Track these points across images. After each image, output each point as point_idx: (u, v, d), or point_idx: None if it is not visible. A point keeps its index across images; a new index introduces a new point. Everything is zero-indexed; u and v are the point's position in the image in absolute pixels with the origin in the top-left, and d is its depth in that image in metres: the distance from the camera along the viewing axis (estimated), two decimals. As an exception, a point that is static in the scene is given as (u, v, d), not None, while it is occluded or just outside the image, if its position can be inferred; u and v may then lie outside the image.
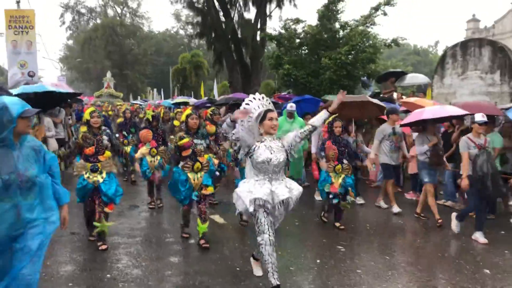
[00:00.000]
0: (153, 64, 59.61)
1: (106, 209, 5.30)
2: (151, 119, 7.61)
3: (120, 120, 10.98)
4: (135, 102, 29.61)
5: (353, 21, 14.91)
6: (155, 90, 34.49)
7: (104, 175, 5.29)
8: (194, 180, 5.43)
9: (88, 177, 5.24)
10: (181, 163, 5.51)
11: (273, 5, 22.67)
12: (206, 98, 18.71)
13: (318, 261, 5.06)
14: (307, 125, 4.17)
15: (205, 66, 32.48)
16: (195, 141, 5.52)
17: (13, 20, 15.73)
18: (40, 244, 3.09)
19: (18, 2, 16.54)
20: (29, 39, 15.87)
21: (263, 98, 4.08)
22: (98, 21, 57.86)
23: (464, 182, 6.02)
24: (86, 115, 5.46)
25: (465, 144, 6.10)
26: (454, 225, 6.32)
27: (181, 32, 61.38)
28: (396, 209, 7.43)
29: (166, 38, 66.21)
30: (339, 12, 15.06)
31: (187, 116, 5.60)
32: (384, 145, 7.67)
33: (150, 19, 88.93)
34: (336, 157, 6.44)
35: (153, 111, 8.49)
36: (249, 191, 3.97)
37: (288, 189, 4.02)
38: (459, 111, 7.19)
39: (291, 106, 8.80)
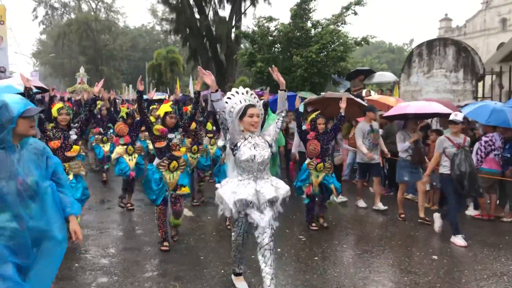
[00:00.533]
0: (128, 60, 59.06)
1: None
2: (125, 117, 7.41)
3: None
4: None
5: (325, 20, 15.25)
6: (130, 86, 34.27)
7: (71, 177, 5.03)
8: (169, 179, 5.19)
9: None
10: (156, 161, 5.25)
11: (248, 2, 22.95)
12: (181, 94, 18.77)
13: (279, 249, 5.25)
14: (279, 115, 4.05)
15: (180, 62, 32.43)
16: (170, 135, 5.23)
17: (-17, 14, 15.54)
18: (51, 272, 2.88)
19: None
20: (0, 34, 15.72)
21: (247, 92, 3.95)
22: (72, 15, 56.93)
23: (426, 179, 6.27)
24: (53, 112, 5.24)
25: (440, 143, 6.09)
26: (437, 226, 6.18)
27: (158, 27, 60.92)
28: (362, 203, 7.64)
29: (142, 34, 65.66)
30: (311, 11, 15.37)
31: (166, 114, 5.30)
32: (363, 143, 7.58)
33: (126, 15, 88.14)
34: (317, 154, 6.18)
35: (128, 108, 8.29)
36: (233, 191, 3.73)
37: (274, 188, 3.82)
38: (445, 109, 7.05)
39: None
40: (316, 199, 6.37)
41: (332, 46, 14.36)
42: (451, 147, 5.99)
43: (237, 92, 3.93)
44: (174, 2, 23.24)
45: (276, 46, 15.19)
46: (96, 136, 9.66)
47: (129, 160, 7.11)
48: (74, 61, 54.02)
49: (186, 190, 5.31)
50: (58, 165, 2.98)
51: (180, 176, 5.26)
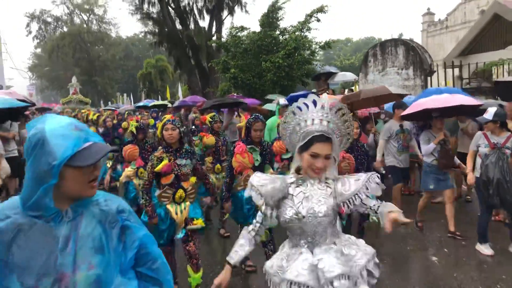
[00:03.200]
0: (122, 69, 60.52)
1: None
2: (135, 131, 6.19)
3: (94, 129, 9.51)
4: (107, 108, 28.62)
5: (291, 27, 16.74)
6: (125, 95, 35.53)
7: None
8: (176, 213, 4.13)
9: None
10: (157, 192, 4.18)
11: (226, 12, 24.47)
12: (166, 101, 20.15)
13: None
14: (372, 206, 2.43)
15: (169, 70, 33.91)
16: (178, 161, 4.15)
17: (-20, 38, 17.02)
18: None
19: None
20: (-4, 55, 17.22)
21: (329, 109, 2.40)
22: (65, 29, 58.40)
23: (469, 176, 5.41)
24: None
25: (475, 139, 5.47)
26: (483, 250, 5.40)
27: (149, 36, 62.37)
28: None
29: (135, 43, 67.14)
30: (279, 19, 16.86)
31: (162, 126, 4.21)
32: (391, 145, 6.85)
33: (118, 25, 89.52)
34: (352, 169, 4.91)
35: (137, 121, 7.22)
36: (279, 266, 2.46)
37: (343, 259, 2.36)
38: (472, 101, 6.26)
39: (284, 100, 7.91)
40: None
41: (298, 51, 15.80)
42: (485, 146, 5.27)
43: (312, 104, 2.40)
44: (155, 16, 24.78)
45: (248, 53, 16.61)
46: None
47: (139, 185, 5.77)
48: (69, 73, 55.43)
49: (199, 222, 4.18)
50: (147, 240, 1.78)
51: (190, 207, 4.22)
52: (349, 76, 15.71)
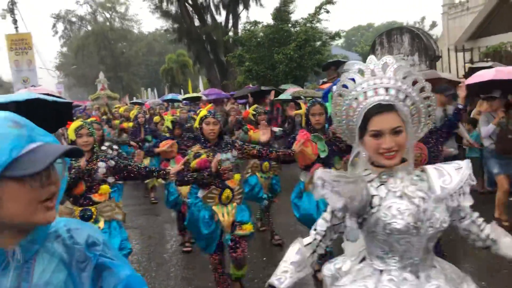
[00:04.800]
0: (146, 65, 62.06)
1: None
2: (171, 127, 5.85)
3: (127, 125, 9.43)
4: (135, 102, 26.80)
5: (302, 19, 17.54)
6: (149, 89, 36.72)
7: (101, 224, 3.59)
8: (222, 216, 3.79)
9: None
10: (201, 192, 3.85)
11: (241, 7, 25.40)
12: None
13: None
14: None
15: (190, 64, 35.04)
16: (220, 155, 3.81)
17: (14, 43, 18.50)
18: None
19: (16, 28, 19.17)
20: (29, 58, 18.67)
21: (395, 75, 1.78)
22: (89, 27, 60.22)
23: None
24: (70, 134, 3.67)
25: None
26: None
27: (169, 33, 63.76)
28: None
29: (157, 38, 68.60)
30: (290, 13, 17.70)
31: (202, 119, 3.88)
32: None
33: (140, 22, 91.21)
34: (424, 160, 4.13)
35: (173, 115, 6.84)
36: None
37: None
38: None
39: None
40: None
41: (309, 42, 16.61)
42: None
43: (369, 70, 1.83)
44: (174, 13, 25.93)
45: (262, 46, 17.49)
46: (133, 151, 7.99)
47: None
48: (95, 70, 57.31)
49: (248, 228, 3.86)
50: (134, 283, 1.27)
51: (237, 209, 3.87)
52: (357, 64, 16.45)
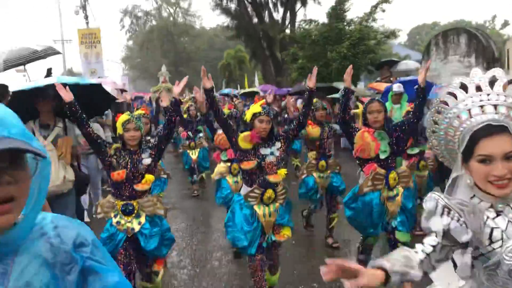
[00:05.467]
0: (206, 61, 63.69)
1: (155, 268, 3.83)
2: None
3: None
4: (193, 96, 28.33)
5: (357, 18, 17.62)
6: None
7: (143, 219, 3.56)
8: (264, 216, 3.66)
9: (118, 222, 3.53)
10: (243, 189, 3.78)
11: (299, 4, 25.73)
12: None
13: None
14: None
15: (247, 60, 35.77)
16: (262, 151, 3.70)
17: (84, 37, 19.93)
18: None
19: (87, 23, 20.61)
20: (97, 51, 20.01)
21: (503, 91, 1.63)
22: (154, 22, 62.55)
23: None
24: (118, 127, 3.65)
25: None
26: None
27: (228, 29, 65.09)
28: None
29: (218, 33, 70.11)
30: (346, 11, 17.82)
31: (255, 116, 3.69)
32: None
33: (201, 17, 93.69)
34: None
35: (229, 109, 6.71)
36: None
37: None
38: None
39: (398, 86, 6.84)
40: None
41: (363, 41, 16.68)
42: None
43: (472, 85, 1.68)
44: (233, 10, 26.70)
45: (316, 44, 17.76)
46: (183, 142, 8.40)
47: (235, 183, 5.33)
48: (158, 64, 59.43)
49: (287, 233, 3.80)
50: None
51: (280, 210, 3.75)
52: (411, 64, 16.33)
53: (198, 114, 8.26)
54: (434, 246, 1.64)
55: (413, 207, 4.10)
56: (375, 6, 17.08)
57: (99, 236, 3.48)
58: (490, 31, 68.98)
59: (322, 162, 5.50)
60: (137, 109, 10.91)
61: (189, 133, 8.20)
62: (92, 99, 4.40)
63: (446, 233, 1.57)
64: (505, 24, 59.92)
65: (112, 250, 3.44)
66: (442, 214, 1.55)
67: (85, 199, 6.53)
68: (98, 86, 4.70)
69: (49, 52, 6.44)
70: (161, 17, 63.39)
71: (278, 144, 3.77)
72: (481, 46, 14.32)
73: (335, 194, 5.67)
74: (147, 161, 3.61)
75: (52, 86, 3.75)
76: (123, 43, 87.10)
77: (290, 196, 3.99)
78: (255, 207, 3.68)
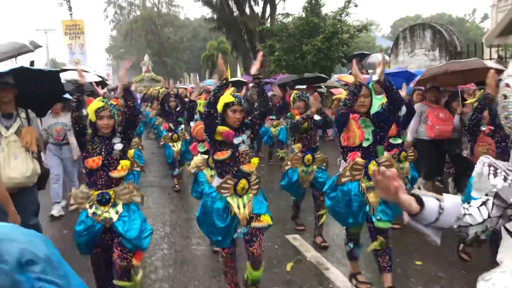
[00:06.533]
0: (190, 50, 63.90)
1: (133, 261, 3.44)
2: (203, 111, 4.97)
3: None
4: (180, 87, 27.21)
5: (331, 12, 18.49)
6: (191, 74, 38.17)
7: (120, 208, 3.42)
8: (238, 208, 3.54)
9: (94, 213, 3.37)
10: (216, 181, 3.65)
11: (279, -3, 26.60)
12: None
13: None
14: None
15: (230, 52, 36.44)
16: (234, 139, 3.58)
17: (68, 28, 20.46)
18: None
19: (71, 14, 21.12)
20: (81, 42, 20.60)
21: None
22: (138, 12, 62.59)
23: None
24: (90, 114, 3.46)
25: None
26: None
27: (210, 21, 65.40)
28: None
29: (202, 24, 70.33)
30: (321, 6, 18.68)
31: (227, 106, 3.60)
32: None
33: (186, 8, 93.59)
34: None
35: (205, 99, 6.33)
36: None
37: None
38: None
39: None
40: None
41: (336, 35, 17.55)
42: None
43: None
44: (214, 3, 27.40)
45: (292, 37, 18.57)
46: (165, 134, 8.10)
47: (212, 176, 4.88)
48: (142, 54, 59.61)
49: (266, 219, 3.63)
50: None
51: (254, 200, 3.63)
52: (380, 57, 17.26)
53: (178, 105, 8.15)
54: (483, 203, 1.62)
55: None
56: (348, 1, 17.95)
57: (74, 229, 3.40)
58: (470, 24, 70.51)
59: (308, 156, 5.24)
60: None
61: (171, 124, 7.97)
62: (45, 88, 4.37)
63: (497, 194, 1.58)
64: (485, 17, 61.25)
65: (90, 240, 3.38)
66: (489, 174, 1.59)
67: (59, 192, 6.47)
68: (54, 74, 4.56)
69: (36, 45, 7.13)
70: (145, 7, 63.39)
71: (247, 132, 3.67)
72: (444, 40, 15.28)
73: (321, 190, 5.10)
74: (119, 146, 3.45)
75: (13, 73, 3.88)
76: (107, 33, 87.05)
77: (274, 187, 3.97)
78: (229, 199, 3.53)
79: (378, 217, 3.67)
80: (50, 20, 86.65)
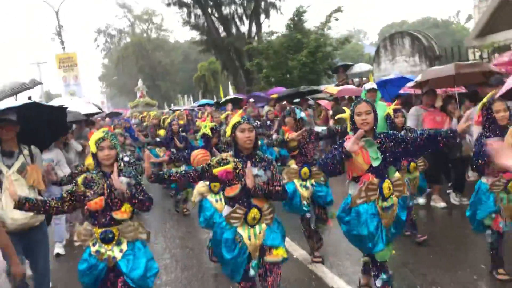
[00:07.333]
0: (183, 72, 64.78)
1: None
2: (210, 134, 5.17)
3: (162, 132, 9.44)
4: (175, 108, 25.15)
5: (314, 27, 19.23)
6: (185, 96, 38.74)
7: (124, 246, 3.28)
8: (249, 239, 3.33)
9: (98, 251, 3.23)
10: (225, 210, 3.43)
11: (263, 16, 27.43)
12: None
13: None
14: None
15: (220, 71, 37.21)
16: (253, 169, 3.32)
17: (62, 61, 21.14)
18: None
19: (63, 48, 21.83)
20: (75, 74, 21.28)
21: None
22: (128, 39, 63.59)
23: None
24: (91, 146, 3.33)
25: None
26: None
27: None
28: None
29: (192, 46, 71.37)
30: (304, 22, 19.45)
31: (235, 127, 3.38)
32: None
33: (174, 31, 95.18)
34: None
35: (211, 122, 5.86)
36: None
37: None
38: None
39: (371, 84, 6.85)
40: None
41: (320, 49, 18.24)
42: None
43: None
44: (201, 26, 28.28)
45: (277, 54, 19.25)
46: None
47: (217, 201, 4.88)
48: (134, 79, 60.41)
49: (279, 253, 3.38)
50: None
51: (266, 231, 3.40)
52: (364, 67, 17.93)
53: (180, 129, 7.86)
54: None
55: (406, 220, 3.81)
56: (329, 16, 18.71)
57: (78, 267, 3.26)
58: (455, 26, 71.73)
59: (305, 169, 5.00)
60: (114, 126, 11.05)
61: (173, 150, 7.48)
62: (50, 123, 4.38)
63: None
64: (469, 18, 62.26)
65: (93, 282, 3.21)
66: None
67: (61, 233, 6.48)
68: (62, 110, 4.60)
69: (35, 83, 7.75)
70: (134, 33, 64.45)
71: (269, 173, 3.37)
72: (422, 46, 15.97)
73: (323, 205, 5.11)
74: (125, 186, 3.22)
75: (14, 110, 3.84)
76: (99, 61, 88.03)
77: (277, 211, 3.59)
78: (239, 229, 3.32)
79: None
80: (42, 53, 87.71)
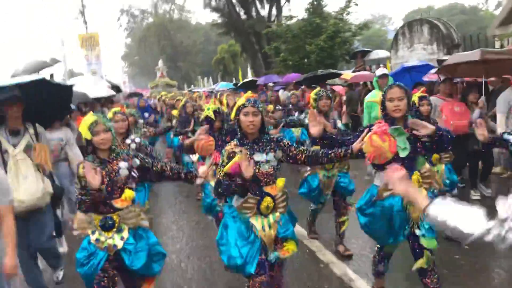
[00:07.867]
0: (203, 53, 65.02)
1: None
2: (213, 117, 4.75)
3: (175, 112, 9.05)
4: (195, 90, 24.80)
5: (333, 12, 19.22)
6: (205, 78, 39.01)
7: (125, 233, 3.10)
8: (263, 229, 3.08)
9: (97, 239, 3.07)
10: (236, 200, 3.12)
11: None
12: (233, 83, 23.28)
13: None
14: None
15: (240, 54, 37.37)
16: (256, 157, 3.07)
17: (84, 40, 21.61)
18: None
19: (86, 27, 22.32)
20: (97, 53, 21.74)
21: None
22: (151, 19, 64.02)
23: None
24: (84, 132, 3.06)
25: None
26: None
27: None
28: None
29: (213, 28, 71.42)
30: (323, 6, 19.45)
31: (239, 110, 3.11)
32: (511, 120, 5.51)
33: (197, 13, 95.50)
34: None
35: (215, 104, 5.41)
36: None
37: None
38: None
39: (381, 69, 6.62)
40: None
41: (338, 34, 18.27)
42: None
43: None
44: (222, 8, 28.46)
45: (296, 38, 19.36)
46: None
47: None
48: (156, 60, 60.89)
49: (291, 248, 3.21)
50: None
51: (282, 220, 3.18)
52: (382, 53, 17.90)
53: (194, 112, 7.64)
54: None
55: None
56: (349, 1, 18.66)
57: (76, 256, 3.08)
58: (484, 13, 69.84)
59: None
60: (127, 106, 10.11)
61: (190, 135, 6.79)
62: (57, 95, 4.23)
63: None
64: (499, 5, 60.47)
65: (91, 272, 2.99)
66: None
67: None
68: (68, 89, 4.47)
69: (55, 61, 8.23)
70: (157, 14, 64.76)
71: (279, 154, 3.12)
72: (441, 34, 15.86)
73: (344, 195, 4.96)
74: (124, 172, 3.04)
75: (20, 87, 3.69)
76: (122, 41, 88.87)
77: (292, 198, 3.41)
78: (252, 220, 3.06)
79: (423, 233, 3.23)
80: (66, 32, 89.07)
